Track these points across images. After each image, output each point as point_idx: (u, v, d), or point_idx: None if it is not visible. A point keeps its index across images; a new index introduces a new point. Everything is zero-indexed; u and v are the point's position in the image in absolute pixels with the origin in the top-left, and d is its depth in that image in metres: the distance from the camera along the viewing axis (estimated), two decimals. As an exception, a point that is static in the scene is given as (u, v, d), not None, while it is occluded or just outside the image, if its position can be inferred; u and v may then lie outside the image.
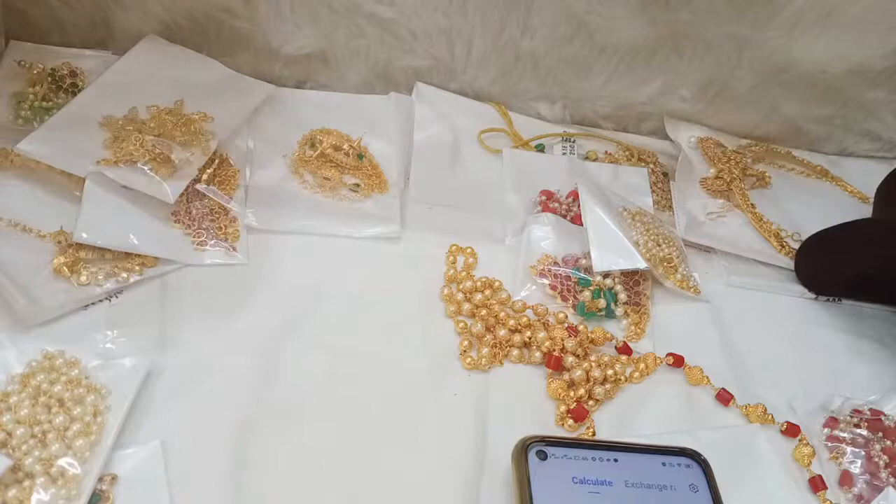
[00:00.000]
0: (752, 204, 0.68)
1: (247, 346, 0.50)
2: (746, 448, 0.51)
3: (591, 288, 0.57)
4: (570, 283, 0.58)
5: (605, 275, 0.58)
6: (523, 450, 0.44)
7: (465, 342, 0.53)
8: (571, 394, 0.51)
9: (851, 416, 0.53)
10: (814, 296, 0.63)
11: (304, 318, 0.53)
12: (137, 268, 0.52)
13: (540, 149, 0.70)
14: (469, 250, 0.60)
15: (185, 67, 0.64)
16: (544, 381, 0.53)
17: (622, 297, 0.57)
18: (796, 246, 0.65)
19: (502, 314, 0.55)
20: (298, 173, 0.62)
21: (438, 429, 0.49)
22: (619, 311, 0.57)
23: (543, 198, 0.64)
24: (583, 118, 0.73)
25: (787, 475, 0.50)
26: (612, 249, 0.58)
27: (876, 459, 0.51)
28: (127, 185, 0.53)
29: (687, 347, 0.56)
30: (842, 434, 0.52)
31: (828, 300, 0.63)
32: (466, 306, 0.55)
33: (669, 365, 0.55)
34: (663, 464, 0.45)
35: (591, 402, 0.52)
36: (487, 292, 0.56)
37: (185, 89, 0.61)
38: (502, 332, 0.54)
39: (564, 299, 0.57)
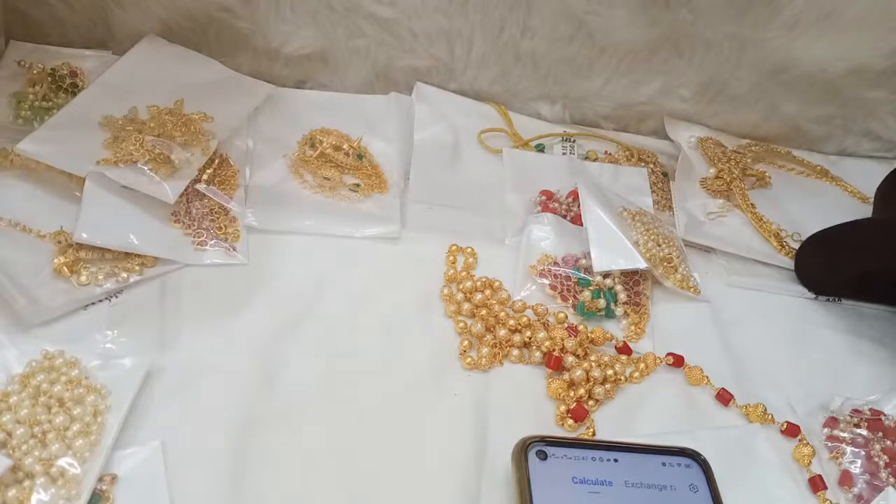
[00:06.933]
0: (752, 204, 0.68)
1: (247, 346, 0.50)
2: (746, 448, 0.51)
3: (591, 288, 0.57)
4: (570, 283, 0.58)
5: (605, 275, 0.58)
6: (523, 450, 0.44)
7: (465, 342, 0.53)
8: (571, 394, 0.51)
9: (851, 416, 0.53)
10: (814, 296, 0.62)
11: (304, 317, 0.53)
12: (137, 268, 0.52)
13: (540, 149, 0.70)
14: (469, 250, 0.60)
15: (185, 67, 0.64)
16: (544, 381, 0.53)
17: (622, 297, 0.57)
18: (796, 246, 0.65)
19: (502, 314, 0.55)
20: (298, 173, 0.62)
21: (438, 429, 0.49)
22: (619, 311, 0.57)
23: (543, 198, 0.64)
24: (583, 118, 0.73)
25: (787, 475, 0.50)
26: (612, 249, 0.58)
27: (876, 459, 0.51)
28: (127, 185, 0.53)
29: (687, 347, 0.56)
30: (842, 434, 0.52)
31: (828, 300, 0.62)
32: (466, 306, 0.55)
33: (669, 365, 0.55)
34: (663, 464, 0.45)
35: (591, 402, 0.52)
36: (487, 292, 0.56)
37: (185, 89, 0.61)
38: (502, 332, 0.54)
39: (564, 299, 0.57)
